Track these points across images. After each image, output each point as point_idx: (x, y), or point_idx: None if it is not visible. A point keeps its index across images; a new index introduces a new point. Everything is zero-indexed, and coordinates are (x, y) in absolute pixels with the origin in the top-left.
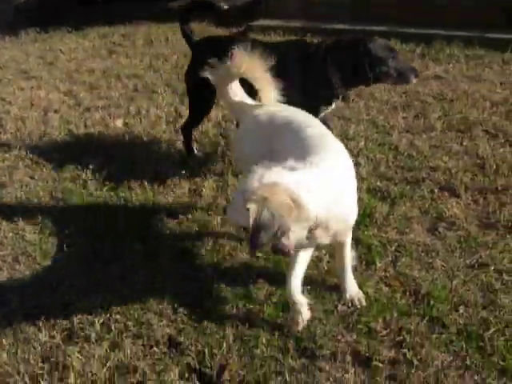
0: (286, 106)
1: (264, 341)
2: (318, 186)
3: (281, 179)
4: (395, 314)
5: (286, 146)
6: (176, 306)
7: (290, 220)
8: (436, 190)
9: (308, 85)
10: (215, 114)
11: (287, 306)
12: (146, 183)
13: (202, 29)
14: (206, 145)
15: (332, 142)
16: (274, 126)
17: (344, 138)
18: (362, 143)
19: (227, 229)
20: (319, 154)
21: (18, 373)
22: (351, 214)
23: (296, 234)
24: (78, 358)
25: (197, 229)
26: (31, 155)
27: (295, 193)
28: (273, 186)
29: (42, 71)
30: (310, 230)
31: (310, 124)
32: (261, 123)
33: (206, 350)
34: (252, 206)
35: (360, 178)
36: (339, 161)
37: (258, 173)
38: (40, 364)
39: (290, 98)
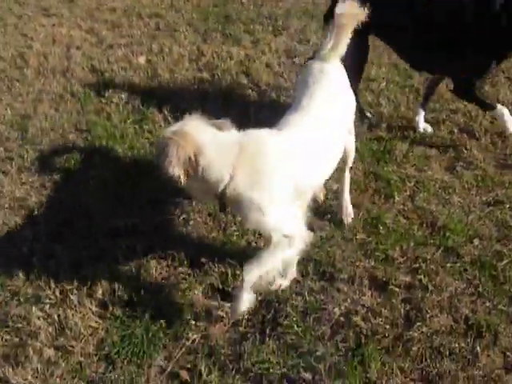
0: None
1: None
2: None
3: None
4: (412, 244)
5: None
6: (200, 231)
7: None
8: (455, 131)
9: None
10: None
11: None
12: (170, 118)
13: None
14: None
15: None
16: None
17: (365, 79)
18: (384, 84)
19: None
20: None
21: (50, 287)
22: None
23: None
24: (106, 276)
25: None
26: (55, 89)
27: (199, 145)
28: (186, 131)
29: (63, 9)
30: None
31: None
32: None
33: (229, 271)
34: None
35: (380, 117)
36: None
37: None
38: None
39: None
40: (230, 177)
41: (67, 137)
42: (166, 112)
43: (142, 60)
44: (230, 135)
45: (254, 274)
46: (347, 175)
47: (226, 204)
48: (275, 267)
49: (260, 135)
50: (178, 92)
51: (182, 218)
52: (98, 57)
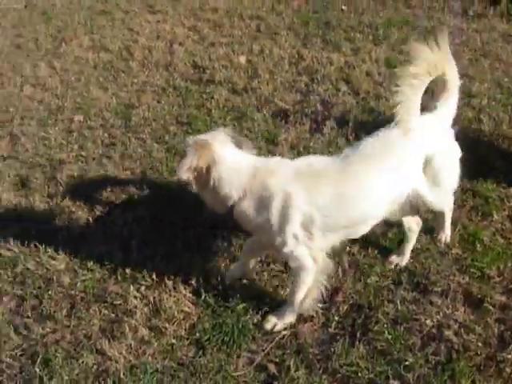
0: None
1: (378, 271)
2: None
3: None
4: (509, 264)
5: None
6: None
7: (191, 163)
8: None
9: None
10: None
11: (400, 241)
12: (269, 116)
13: None
14: None
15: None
16: None
17: (466, 95)
18: (485, 101)
19: None
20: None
21: (146, 270)
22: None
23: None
24: (200, 265)
25: None
26: (158, 82)
27: (214, 159)
28: (206, 142)
29: (167, 6)
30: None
31: None
32: None
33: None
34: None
35: (481, 134)
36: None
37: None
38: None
39: None
40: (239, 197)
41: (168, 128)
42: (264, 111)
43: (242, 59)
44: (247, 158)
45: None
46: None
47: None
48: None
49: (275, 163)
50: (277, 93)
51: None
52: (199, 54)
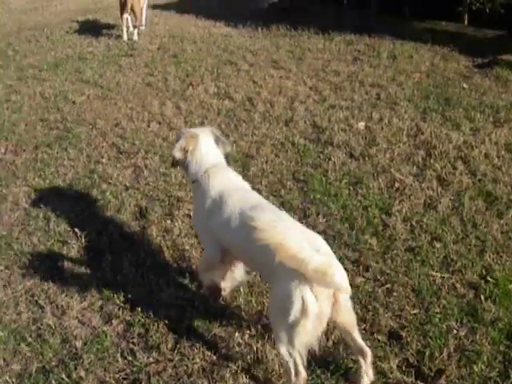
0: None
1: (485, 360)
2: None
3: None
4: None
5: None
6: (402, 303)
7: (182, 145)
8: None
9: None
10: None
11: None
12: (384, 186)
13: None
14: None
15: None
16: None
17: None
18: None
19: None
20: None
21: (252, 319)
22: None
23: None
24: None
25: (429, 238)
26: (277, 136)
27: (196, 147)
28: (195, 133)
29: (291, 64)
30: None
31: None
32: None
33: (427, 352)
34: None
35: None
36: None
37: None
38: None
39: None
40: (195, 179)
41: (284, 183)
42: (380, 180)
43: (361, 126)
44: (214, 154)
45: None
46: None
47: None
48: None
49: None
50: (394, 163)
51: (385, 287)
52: (319, 114)
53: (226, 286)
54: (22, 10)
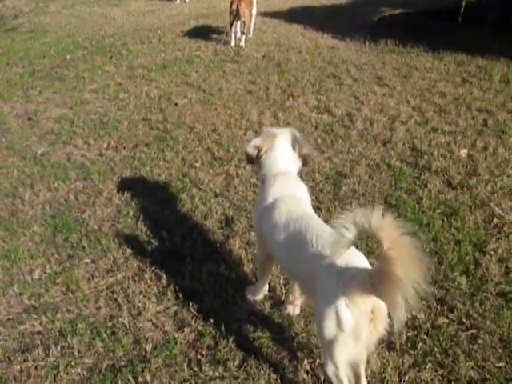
0: None
1: None
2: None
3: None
4: None
5: None
6: (486, 352)
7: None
8: None
9: None
10: None
11: None
12: (481, 220)
13: None
14: None
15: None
16: None
17: None
18: None
19: None
20: None
21: None
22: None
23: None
24: (376, 360)
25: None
26: (373, 156)
27: (273, 147)
28: (274, 133)
29: (396, 82)
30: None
31: None
32: None
33: None
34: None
35: None
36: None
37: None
38: None
39: None
40: (264, 181)
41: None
42: (477, 214)
43: (463, 153)
44: (288, 159)
45: None
46: None
47: None
48: None
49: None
50: (495, 197)
51: (470, 332)
52: (420, 137)
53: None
54: (140, 13)
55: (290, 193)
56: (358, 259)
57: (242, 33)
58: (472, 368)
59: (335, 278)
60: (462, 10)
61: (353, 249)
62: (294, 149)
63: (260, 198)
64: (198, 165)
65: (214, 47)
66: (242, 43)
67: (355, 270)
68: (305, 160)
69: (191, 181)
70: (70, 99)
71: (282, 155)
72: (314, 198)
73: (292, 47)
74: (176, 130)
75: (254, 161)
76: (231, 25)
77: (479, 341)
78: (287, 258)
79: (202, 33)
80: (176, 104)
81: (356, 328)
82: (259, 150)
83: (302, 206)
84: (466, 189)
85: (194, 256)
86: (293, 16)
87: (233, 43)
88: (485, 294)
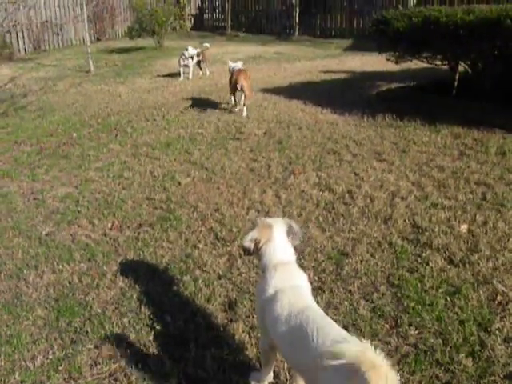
0: None
1: None
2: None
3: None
4: None
5: None
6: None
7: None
8: None
9: None
10: None
11: None
12: (485, 298)
13: None
14: None
15: None
16: None
17: None
18: None
19: None
20: None
21: None
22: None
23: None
24: None
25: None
26: (375, 234)
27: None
28: (270, 224)
29: (394, 156)
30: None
31: None
32: None
33: None
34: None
35: None
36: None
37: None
38: None
39: None
40: (266, 271)
41: (377, 287)
42: (480, 292)
43: (463, 228)
44: (283, 249)
45: None
46: None
47: None
48: None
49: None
50: (497, 273)
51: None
52: (420, 213)
53: None
54: (144, 90)
55: (290, 284)
56: None
57: (244, 104)
58: None
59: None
60: (456, 83)
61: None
62: (288, 237)
63: (261, 287)
64: (201, 245)
65: (217, 124)
66: (245, 113)
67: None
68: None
69: (194, 262)
70: (75, 178)
71: (280, 245)
72: (316, 278)
73: (292, 123)
74: (179, 209)
75: (253, 253)
76: (232, 95)
77: None
78: (289, 351)
79: (204, 110)
80: (179, 183)
81: None
82: (257, 243)
83: (303, 297)
84: (467, 265)
85: (198, 340)
86: (292, 92)
87: (237, 109)
88: (492, 377)
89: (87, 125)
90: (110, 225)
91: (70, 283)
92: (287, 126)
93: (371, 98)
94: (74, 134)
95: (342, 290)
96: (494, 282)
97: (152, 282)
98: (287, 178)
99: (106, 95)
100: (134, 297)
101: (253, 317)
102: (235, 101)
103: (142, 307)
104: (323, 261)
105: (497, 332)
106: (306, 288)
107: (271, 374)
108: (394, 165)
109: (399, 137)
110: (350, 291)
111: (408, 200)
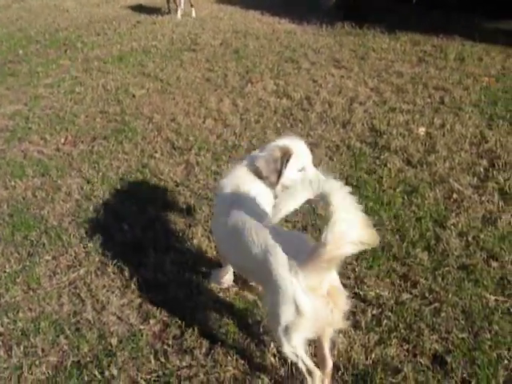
0: None
1: None
2: None
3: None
4: None
5: None
6: (449, 325)
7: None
8: None
9: None
10: None
11: None
12: (441, 196)
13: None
14: None
15: None
16: None
17: None
18: None
19: None
20: None
21: None
22: None
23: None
24: (343, 339)
25: (485, 257)
26: (333, 138)
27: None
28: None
29: (353, 63)
30: None
31: None
32: None
33: (473, 381)
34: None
35: None
36: None
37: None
38: None
39: None
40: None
41: None
42: (437, 191)
43: (421, 131)
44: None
45: None
46: None
47: None
48: None
49: None
50: (453, 173)
51: (433, 306)
52: (378, 117)
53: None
54: (93, 4)
55: None
56: (301, 241)
57: (191, 5)
58: (436, 341)
59: (286, 266)
60: None
61: (296, 233)
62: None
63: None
64: (157, 155)
65: (171, 36)
66: (194, 15)
67: (303, 254)
68: None
69: (151, 172)
70: (24, 95)
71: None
72: None
73: (249, 33)
74: (134, 121)
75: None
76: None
77: (442, 314)
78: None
79: (158, 21)
80: (133, 95)
81: (315, 311)
82: None
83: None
84: (425, 166)
85: (157, 247)
86: (249, 2)
87: (179, 15)
88: (446, 268)
89: (34, 41)
90: (62, 140)
91: (23, 198)
92: (244, 35)
93: (330, 7)
94: (20, 51)
95: None
96: (451, 180)
97: (108, 193)
98: (244, 86)
99: (53, 10)
100: (91, 208)
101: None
102: (177, 5)
103: (99, 217)
104: None
105: (452, 227)
106: None
107: (231, 276)
108: (353, 71)
109: (358, 44)
110: None
111: (366, 105)
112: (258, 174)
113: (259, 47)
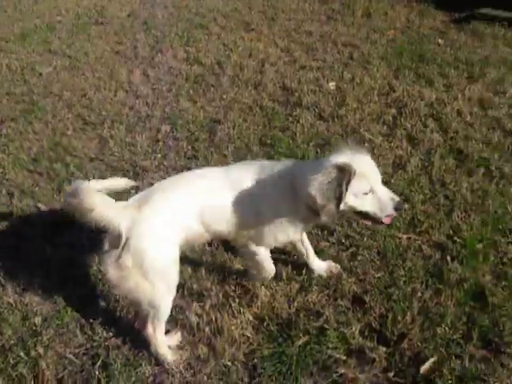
0: None
1: (449, 322)
2: None
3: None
4: None
5: None
6: (366, 266)
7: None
8: None
9: None
10: None
11: (478, 294)
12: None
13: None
14: None
15: None
16: None
17: None
18: None
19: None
20: None
21: (213, 289)
22: None
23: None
24: (266, 291)
25: None
26: (246, 100)
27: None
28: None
29: (263, 26)
30: None
31: None
32: None
33: (390, 316)
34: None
35: None
36: None
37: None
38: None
39: None
40: None
41: (251, 148)
42: (349, 141)
43: (332, 86)
44: None
45: None
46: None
47: None
48: None
49: None
50: (364, 123)
51: (349, 251)
52: (289, 76)
53: None
54: None
55: None
56: None
57: None
58: (354, 283)
59: None
60: None
61: None
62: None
63: None
64: (69, 132)
65: (76, 11)
66: None
67: None
68: None
69: (64, 149)
70: None
71: None
72: (190, 147)
73: (157, 3)
74: (43, 100)
75: None
76: None
77: (359, 257)
78: None
79: None
80: (40, 74)
81: None
82: None
83: None
84: (336, 119)
85: (73, 224)
86: None
87: None
88: None
89: None
90: None
91: None
92: (151, 5)
93: None
94: None
95: (216, 155)
96: (361, 131)
97: (21, 175)
98: (154, 56)
99: None
100: (4, 192)
101: (129, 192)
102: None
103: (14, 200)
104: (196, 131)
105: None
106: None
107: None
108: (263, 33)
109: (267, 6)
110: (225, 155)
111: (277, 65)
112: (311, 202)
113: (168, 16)
